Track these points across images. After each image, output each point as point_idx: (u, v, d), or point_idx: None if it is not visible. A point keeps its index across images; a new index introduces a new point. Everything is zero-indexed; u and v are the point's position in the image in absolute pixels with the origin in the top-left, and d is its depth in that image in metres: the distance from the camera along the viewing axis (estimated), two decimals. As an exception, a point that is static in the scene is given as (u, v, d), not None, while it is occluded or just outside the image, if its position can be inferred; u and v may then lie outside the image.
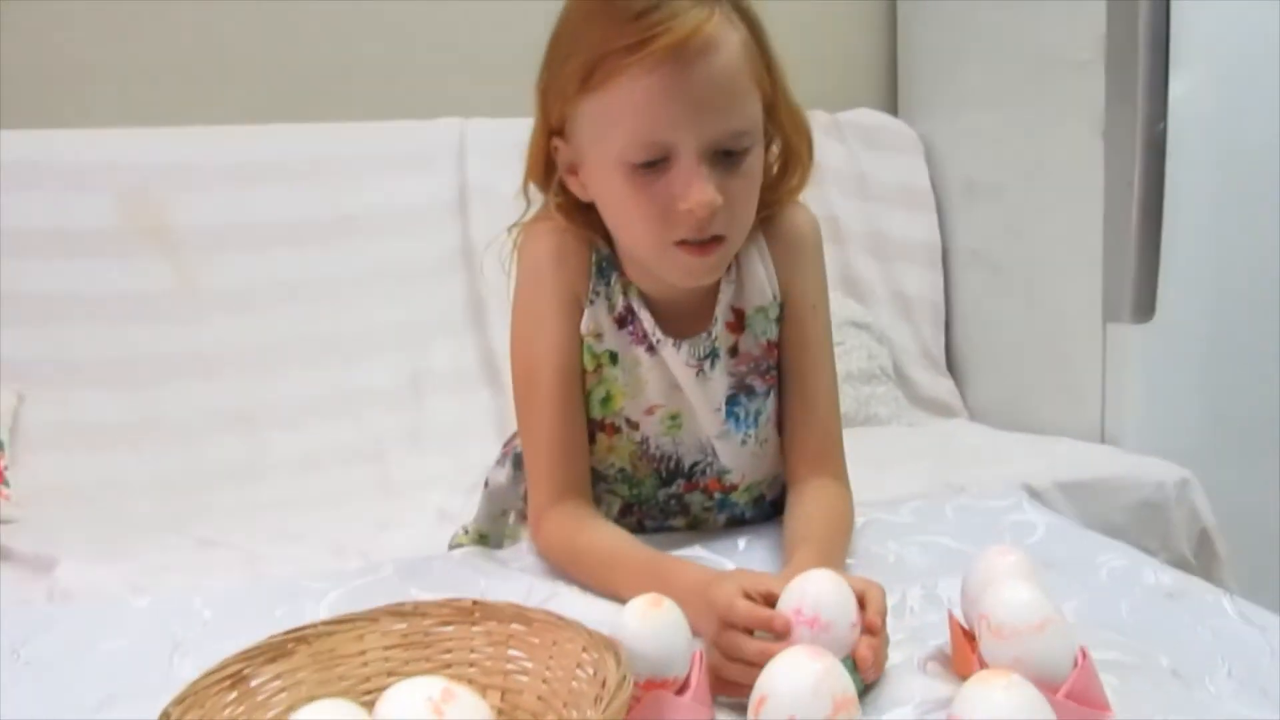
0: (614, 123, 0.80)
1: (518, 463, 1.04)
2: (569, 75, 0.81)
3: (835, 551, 0.87)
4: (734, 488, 0.98)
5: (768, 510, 1.03)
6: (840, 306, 2.09)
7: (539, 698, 0.63)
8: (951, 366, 2.21)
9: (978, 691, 0.51)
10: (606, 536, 0.88)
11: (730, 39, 0.80)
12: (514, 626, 0.66)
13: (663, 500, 0.99)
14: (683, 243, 0.82)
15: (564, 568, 0.90)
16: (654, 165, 0.80)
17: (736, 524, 1.01)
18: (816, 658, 0.54)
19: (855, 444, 1.79)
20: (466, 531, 1.13)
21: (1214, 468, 1.65)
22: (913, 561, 0.90)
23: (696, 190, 0.79)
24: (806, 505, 0.92)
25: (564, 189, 0.91)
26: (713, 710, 0.65)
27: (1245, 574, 1.59)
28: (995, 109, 2.06)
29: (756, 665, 0.57)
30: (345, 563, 1.22)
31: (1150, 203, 1.70)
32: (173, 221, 1.73)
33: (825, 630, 0.63)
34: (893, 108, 2.36)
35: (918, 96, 2.32)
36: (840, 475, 0.96)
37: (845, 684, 0.54)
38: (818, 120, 2.23)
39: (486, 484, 1.11)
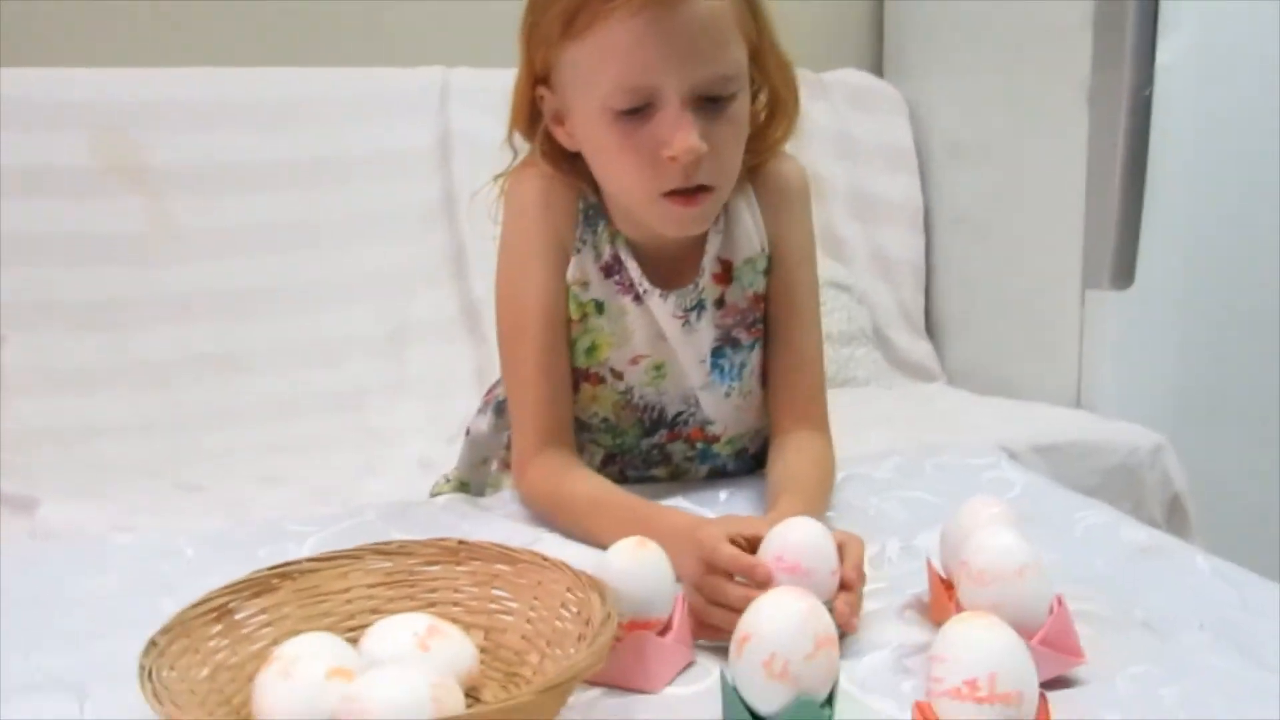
0: (597, 68, 0.80)
1: (499, 410, 1.04)
2: (551, 21, 0.81)
3: (818, 501, 0.87)
4: (716, 439, 0.99)
5: (749, 463, 1.03)
6: (822, 267, 2.07)
7: (523, 637, 0.64)
8: (930, 329, 2.22)
9: (958, 630, 0.52)
10: (590, 484, 0.89)
11: None
12: (498, 567, 0.66)
13: (645, 450, 1.00)
14: (671, 193, 0.82)
15: (547, 515, 0.90)
16: (638, 112, 0.80)
17: (718, 476, 1.02)
18: (800, 598, 0.55)
19: (834, 405, 1.81)
20: (448, 480, 1.13)
21: (1187, 433, 1.67)
22: (892, 515, 0.91)
23: (681, 137, 0.78)
24: (789, 456, 0.93)
25: (550, 138, 0.90)
26: (693, 652, 0.66)
27: (1214, 539, 1.62)
28: (981, 72, 2.05)
29: (737, 610, 0.58)
30: (327, 508, 1.22)
31: (1134, 169, 1.71)
32: (150, 161, 1.70)
33: (806, 577, 0.64)
34: (878, 69, 2.35)
35: (904, 58, 2.30)
36: (823, 427, 0.97)
37: (827, 623, 0.55)
38: (804, 79, 2.23)
39: (468, 432, 1.11)
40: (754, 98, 0.87)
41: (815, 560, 0.65)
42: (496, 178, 0.95)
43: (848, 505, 0.95)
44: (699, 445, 1.00)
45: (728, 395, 0.96)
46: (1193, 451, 1.65)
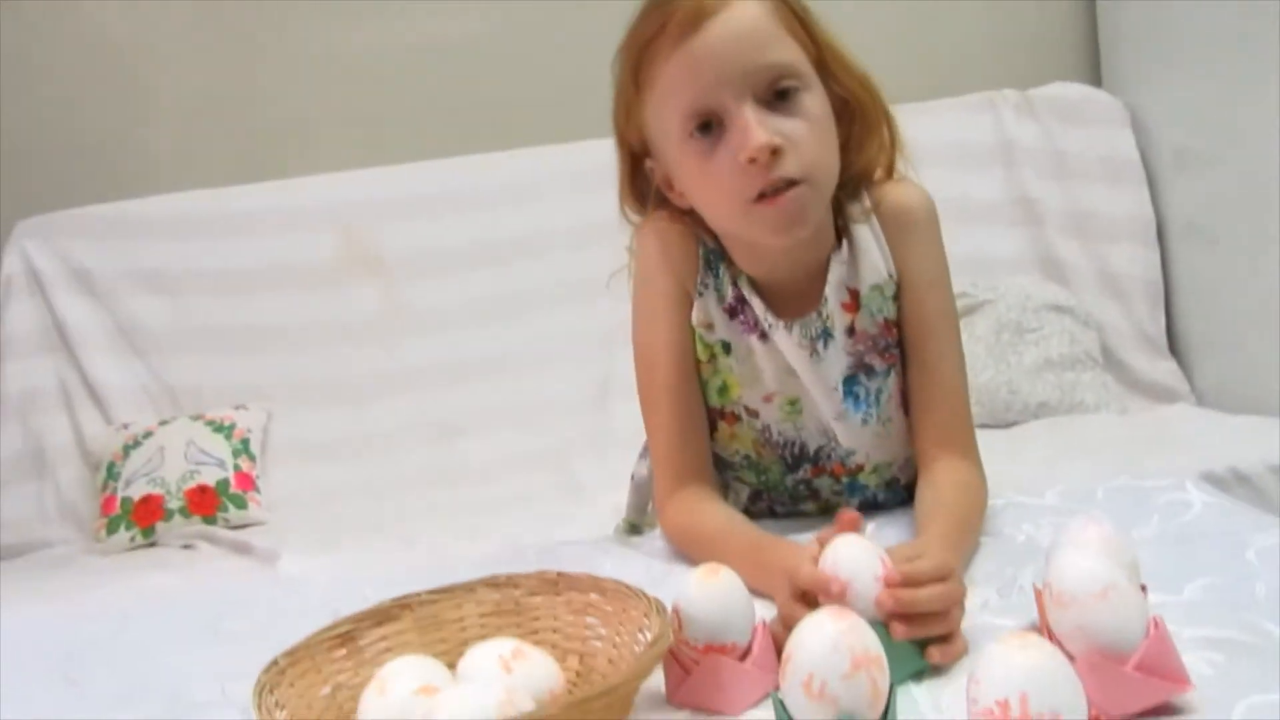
0: (667, 107, 0.84)
1: (658, 456, 1.09)
2: (627, 84, 0.87)
3: (965, 526, 0.85)
4: (860, 469, 0.98)
5: (901, 494, 1.02)
6: (1038, 290, 2.00)
7: (609, 660, 0.67)
8: (1175, 348, 2.05)
9: (994, 650, 0.50)
10: (719, 517, 0.91)
11: (747, 3, 0.82)
12: (591, 596, 0.70)
13: (791, 486, 1.00)
14: (760, 198, 0.83)
15: (684, 549, 0.93)
16: (710, 131, 0.83)
17: (869, 508, 1.01)
18: (839, 617, 0.55)
19: (1053, 433, 1.73)
20: (622, 524, 1.18)
21: None
22: (1042, 541, 0.87)
23: (750, 135, 0.80)
24: (936, 483, 0.91)
25: (666, 204, 0.95)
26: (776, 679, 0.66)
27: None
28: (1204, 72, 1.90)
29: None
30: (519, 554, 1.31)
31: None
32: (379, 252, 1.91)
33: (848, 589, 0.65)
34: (1095, 79, 2.23)
35: (1122, 64, 2.17)
36: (970, 454, 0.94)
37: (867, 643, 0.54)
38: (1007, 100, 2.17)
39: (633, 477, 1.16)
40: (836, 108, 0.87)
41: (853, 570, 0.66)
42: (628, 247, 1.01)
43: (999, 532, 0.91)
44: (844, 479, 0.99)
45: (865, 423, 0.96)
46: None
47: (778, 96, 0.83)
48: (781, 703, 0.56)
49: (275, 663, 0.63)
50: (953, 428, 0.94)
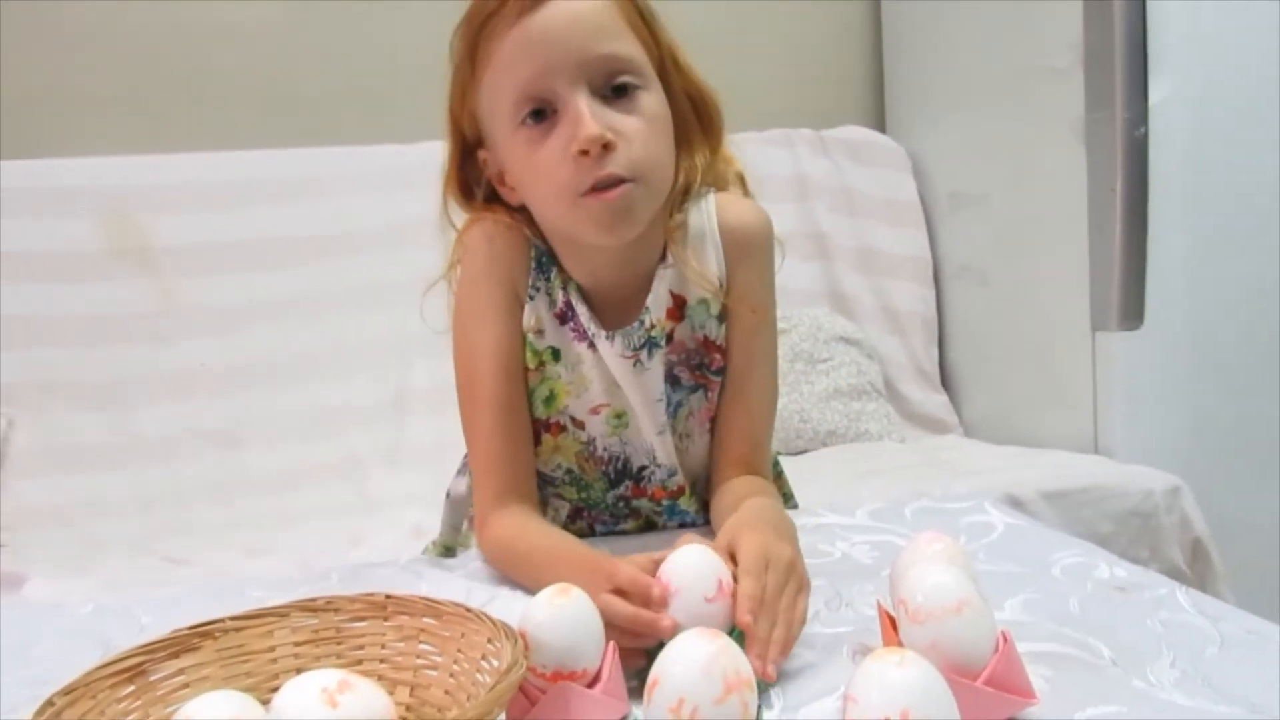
0: (501, 90, 0.81)
1: (475, 471, 1.03)
2: (462, 64, 0.83)
3: (768, 513, 0.83)
4: (681, 491, 0.97)
5: (715, 516, 1.01)
6: (829, 322, 2.08)
7: (445, 692, 0.62)
8: (945, 381, 2.19)
9: (870, 668, 0.49)
10: (547, 537, 0.87)
11: None
12: (425, 620, 0.64)
13: (612, 503, 0.98)
14: (589, 191, 0.80)
15: (507, 571, 0.88)
16: (543, 118, 0.80)
17: (690, 529, 0.99)
18: (710, 639, 0.52)
19: (841, 460, 1.80)
20: (433, 545, 1.11)
21: (1207, 477, 1.62)
22: (858, 559, 0.88)
23: (582, 126, 0.78)
24: (735, 489, 0.90)
25: (498, 199, 0.91)
26: (627, 704, 0.63)
27: (1243, 583, 1.55)
28: (978, 119, 2.05)
29: (626, 630, 0.60)
30: (320, 577, 1.21)
31: (1134, 208, 1.68)
32: (154, 243, 1.74)
33: (676, 596, 0.64)
34: (881, 124, 2.36)
35: (904, 111, 2.31)
36: (767, 477, 0.95)
37: (739, 665, 0.52)
38: (803, 138, 2.26)
39: (448, 495, 1.09)
40: (675, 116, 0.86)
41: (687, 581, 0.64)
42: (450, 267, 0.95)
43: (813, 549, 0.91)
44: (664, 502, 0.97)
45: (659, 433, 0.94)
46: (1214, 494, 1.60)
47: (615, 92, 0.81)
48: (645, 732, 0.52)
49: (50, 703, 0.53)
50: (752, 453, 0.95)
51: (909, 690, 0.48)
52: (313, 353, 1.75)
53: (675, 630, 0.61)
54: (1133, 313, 1.71)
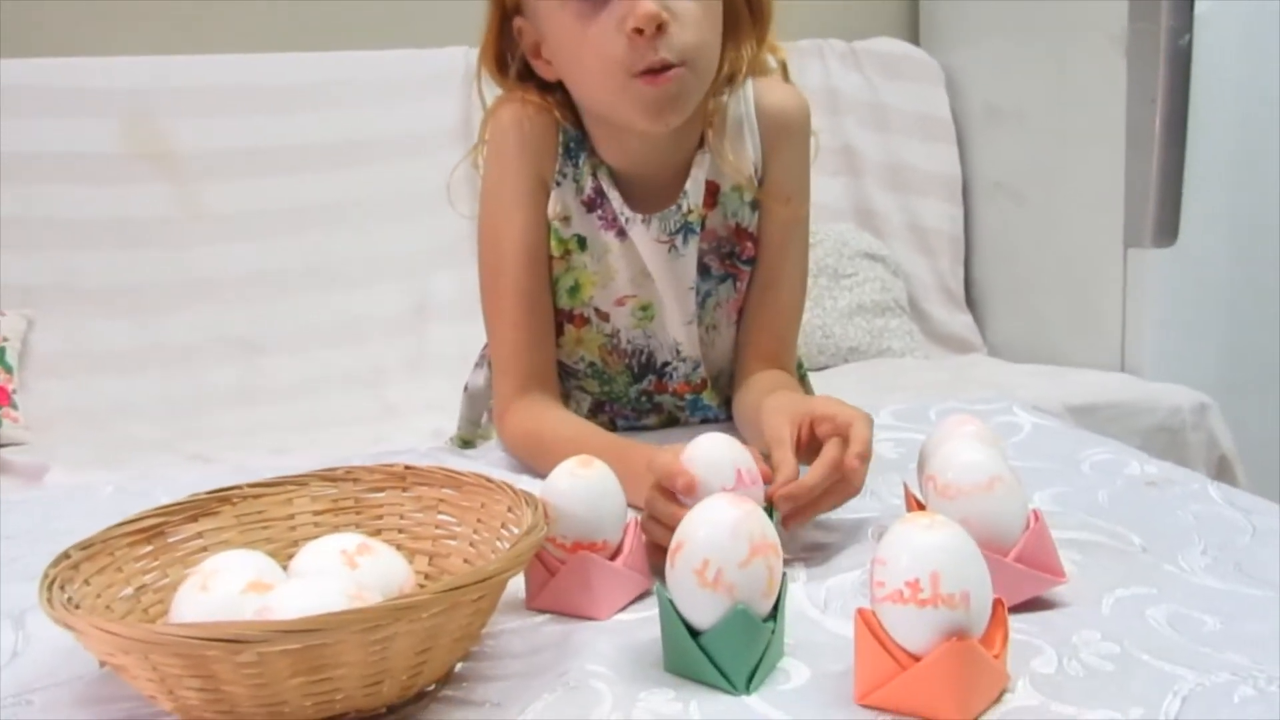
0: None
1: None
2: None
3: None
4: (704, 385, 0.95)
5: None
6: (855, 238, 2.04)
7: (465, 560, 0.61)
8: (970, 301, 2.15)
9: (899, 531, 0.48)
10: (572, 425, 0.86)
11: None
12: (444, 491, 0.64)
13: (634, 397, 0.96)
14: (640, 74, 0.77)
15: (528, 459, 0.87)
16: None
17: (712, 425, 0.98)
18: (735, 504, 0.51)
19: (864, 375, 1.78)
20: (451, 441, 1.11)
21: (1236, 398, 1.59)
22: (883, 454, 0.86)
23: (640, 3, 0.74)
24: (759, 381, 0.89)
25: (531, 75, 0.88)
26: (650, 579, 0.62)
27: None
28: (1017, 35, 1.99)
29: (668, 526, 0.55)
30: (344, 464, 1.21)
31: (1174, 120, 1.63)
32: (176, 147, 1.72)
33: (704, 489, 0.61)
34: (914, 36, 2.29)
35: (939, 24, 2.24)
36: (792, 373, 0.94)
37: (765, 529, 0.51)
38: (835, 49, 2.20)
39: (466, 388, 1.08)
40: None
41: (708, 471, 0.62)
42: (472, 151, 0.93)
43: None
44: (687, 397, 0.96)
45: (687, 323, 0.92)
46: (1243, 415, 1.57)
47: None
48: (670, 601, 0.51)
49: (67, 555, 0.53)
50: (779, 349, 0.94)
51: (939, 553, 0.47)
52: (336, 261, 1.74)
53: None
54: (1167, 229, 1.67)
